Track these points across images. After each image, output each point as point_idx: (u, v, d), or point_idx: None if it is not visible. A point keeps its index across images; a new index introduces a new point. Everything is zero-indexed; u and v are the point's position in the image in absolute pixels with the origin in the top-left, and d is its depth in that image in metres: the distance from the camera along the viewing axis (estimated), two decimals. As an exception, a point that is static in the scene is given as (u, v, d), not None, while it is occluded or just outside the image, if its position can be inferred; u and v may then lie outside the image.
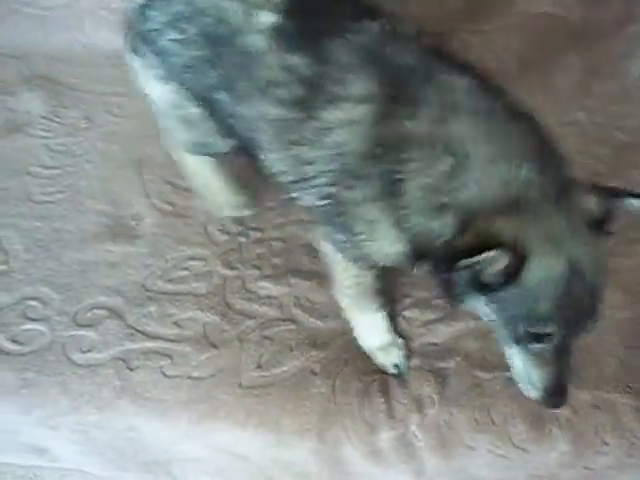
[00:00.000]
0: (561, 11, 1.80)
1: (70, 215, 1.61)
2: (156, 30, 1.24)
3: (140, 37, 1.28)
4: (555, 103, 1.73)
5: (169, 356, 1.37)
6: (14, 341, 1.42)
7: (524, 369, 1.08)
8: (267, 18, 1.14)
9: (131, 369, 1.36)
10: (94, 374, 1.36)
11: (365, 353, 1.35)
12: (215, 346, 1.37)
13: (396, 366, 1.34)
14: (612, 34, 1.81)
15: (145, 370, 1.36)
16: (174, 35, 1.22)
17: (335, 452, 1.30)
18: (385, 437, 1.28)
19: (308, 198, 1.17)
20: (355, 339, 1.36)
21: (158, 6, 1.24)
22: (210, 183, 1.54)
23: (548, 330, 1.02)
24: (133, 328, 1.41)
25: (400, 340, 1.37)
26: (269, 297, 1.44)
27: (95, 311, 1.44)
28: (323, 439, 1.29)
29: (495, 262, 0.96)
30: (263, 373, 1.34)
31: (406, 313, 1.40)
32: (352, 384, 1.32)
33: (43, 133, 1.80)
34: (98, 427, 1.37)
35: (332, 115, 1.09)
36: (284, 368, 1.35)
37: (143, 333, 1.40)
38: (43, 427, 1.40)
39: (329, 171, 1.11)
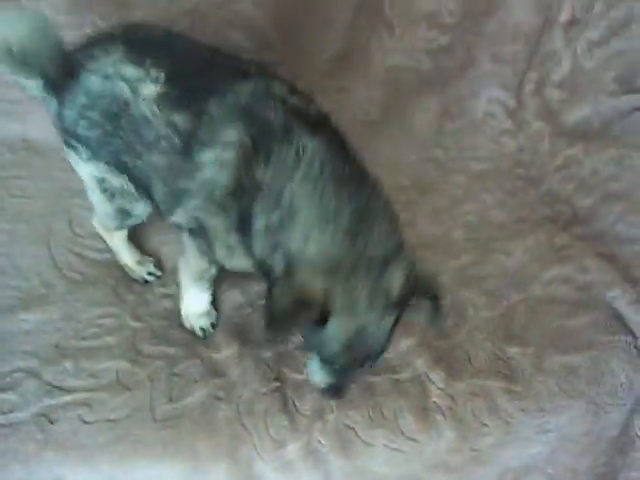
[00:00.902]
0: (413, 63, 2.04)
1: (-18, 292, 1.71)
2: (72, 124, 1.46)
3: (64, 133, 1.51)
4: (415, 142, 1.98)
5: (87, 405, 1.45)
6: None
7: (316, 368, 1.34)
8: (150, 89, 1.35)
9: (52, 422, 1.44)
10: (17, 431, 1.43)
11: (263, 374, 1.50)
12: (128, 389, 1.48)
13: (202, 329, 1.58)
14: (458, 78, 2.08)
15: (65, 421, 1.44)
16: (83, 123, 1.44)
17: (248, 470, 1.42)
18: (292, 449, 1.41)
19: (181, 221, 1.41)
20: (251, 363, 1.51)
21: (68, 104, 1.45)
22: (125, 250, 1.72)
23: (334, 365, 1.29)
24: (51, 385, 1.49)
25: (213, 312, 1.61)
26: (176, 340, 1.57)
27: (13, 375, 1.51)
28: (235, 459, 1.41)
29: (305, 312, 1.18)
30: (174, 405, 1.45)
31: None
32: (255, 405, 1.45)
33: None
34: (27, 481, 1.45)
35: (205, 155, 1.31)
36: (192, 398, 1.46)
37: (60, 388, 1.48)
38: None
39: (198, 199, 1.34)
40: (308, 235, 1.22)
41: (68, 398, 1.48)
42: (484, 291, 1.60)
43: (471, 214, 1.77)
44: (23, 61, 1.44)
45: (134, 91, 1.37)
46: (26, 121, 2.07)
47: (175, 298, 1.64)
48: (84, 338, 1.58)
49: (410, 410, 1.44)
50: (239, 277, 1.62)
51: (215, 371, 1.51)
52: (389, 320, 1.25)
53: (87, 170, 1.53)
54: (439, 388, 1.46)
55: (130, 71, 1.37)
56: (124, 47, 1.40)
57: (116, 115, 1.40)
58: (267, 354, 1.53)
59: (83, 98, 1.43)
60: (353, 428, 1.43)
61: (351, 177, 1.28)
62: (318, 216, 1.23)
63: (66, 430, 1.44)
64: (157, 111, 1.36)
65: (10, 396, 1.49)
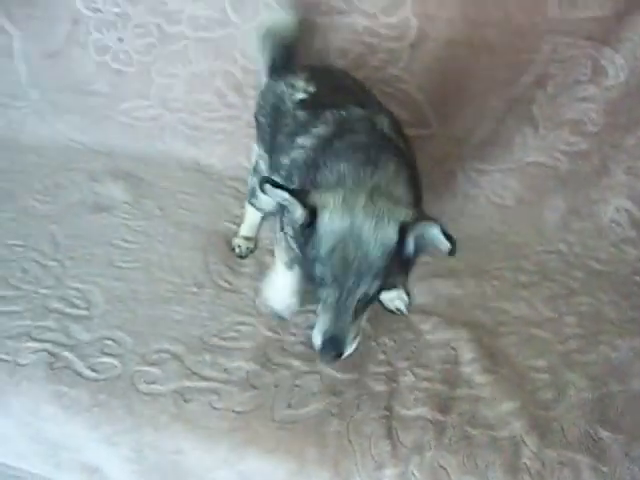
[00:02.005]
0: (551, 162, 2.20)
1: (144, 280, 1.95)
2: (257, 111, 2.02)
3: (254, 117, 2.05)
4: (542, 235, 2.14)
5: (218, 394, 1.64)
6: (92, 369, 1.70)
7: (318, 320, 1.44)
8: (299, 96, 1.81)
9: (186, 401, 1.64)
10: (155, 401, 1.64)
11: (375, 402, 1.64)
12: (255, 388, 1.66)
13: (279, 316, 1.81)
14: (591, 183, 2.22)
15: (197, 402, 1.63)
16: (261, 111, 1.97)
17: (346, 485, 1.58)
18: (388, 473, 1.53)
19: None
20: (368, 390, 1.67)
21: (259, 94, 2.05)
22: (246, 223, 2.07)
23: (327, 273, 1.36)
24: (190, 370, 1.70)
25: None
26: (302, 354, 1.75)
27: (160, 354, 1.73)
28: (337, 470, 1.55)
29: (294, 210, 1.37)
30: (292, 412, 1.62)
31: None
32: (363, 426, 1.59)
33: (124, 215, 2.19)
34: (151, 447, 1.63)
35: (300, 140, 1.65)
36: (308, 409, 1.62)
37: (198, 375, 1.69)
38: (105, 444, 1.66)
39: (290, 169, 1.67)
40: (328, 172, 1.49)
41: (203, 384, 1.67)
42: (586, 375, 1.71)
43: (585, 306, 1.90)
44: (275, 53, 2.02)
45: (291, 95, 1.83)
46: (201, 147, 2.38)
47: (307, 315, 1.83)
48: (224, 338, 1.79)
49: (501, 466, 1.54)
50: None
51: (333, 389, 1.66)
52: (388, 240, 1.34)
53: (255, 151, 2.00)
54: (532, 451, 1.56)
55: (299, 83, 1.84)
56: (308, 72, 1.89)
57: (276, 109, 1.84)
58: (381, 387, 1.67)
59: (268, 94, 1.93)
60: (446, 469, 1.54)
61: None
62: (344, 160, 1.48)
63: (197, 410, 1.62)
64: (291, 107, 1.79)
65: (155, 370, 1.70)
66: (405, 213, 1.37)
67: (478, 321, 1.84)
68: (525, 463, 1.55)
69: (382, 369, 1.72)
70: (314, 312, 1.80)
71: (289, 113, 1.78)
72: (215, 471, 1.63)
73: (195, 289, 1.93)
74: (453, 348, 1.76)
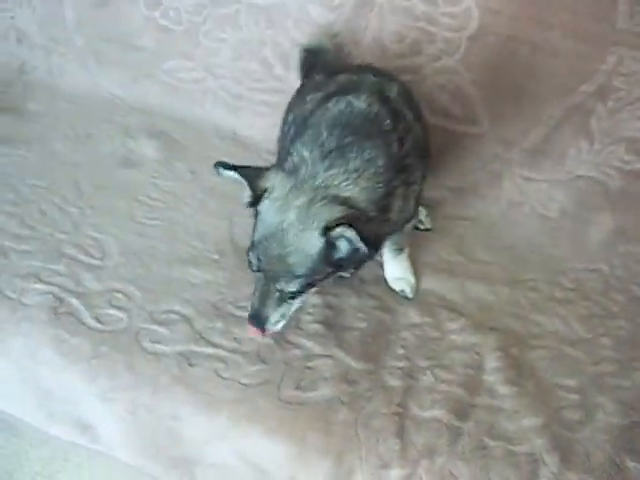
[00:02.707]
0: (603, 178, 2.09)
1: (164, 239, 1.88)
2: None
3: None
4: (583, 253, 2.02)
5: (225, 362, 1.56)
6: (96, 320, 1.63)
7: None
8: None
9: (190, 365, 1.56)
10: (157, 361, 1.56)
11: (389, 397, 1.54)
12: (264, 362, 1.57)
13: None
14: (642, 205, 2.11)
15: (202, 368, 1.55)
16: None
17: (347, 477, 1.46)
18: (394, 474, 1.43)
19: None
20: (383, 383, 1.57)
21: None
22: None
23: (254, 258, 1.41)
24: (199, 334, 1.61)
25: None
26: (316, 335, 1.65)
27: (170, 314, 1.66)
28: (340, 462, 1.45)
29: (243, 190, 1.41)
30: (300, 393, 1.52)
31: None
32: (373, 420, 1.49)
33: (153, 173, 2.12)
34: (148, 409, 1.55)
35: (308, 97, 1.67)
36: (318, 393, 1.53)
37: (207, 341, 1.61)
38: (101, 399, 1.58)
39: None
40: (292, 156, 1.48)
41: (210, 351, 1.59)
42: (617, 400, 1.59)
43: (623, 330, 1.78)
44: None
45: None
46: (240, 117, 2.30)
47: (324, 297, 1.74)
48: (239, 307, 1.69)
49: (515, 481, 1.44)
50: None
51: (345, 377, 1.56)
52: (310, 248, 1.36)
53: None
54: (551, 472, 1.45)
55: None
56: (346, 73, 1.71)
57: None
58: (397, 382, 1.57)
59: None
60: (457, 478, 1.45)
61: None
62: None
63: (201, 376, 1.54)
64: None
65: (162, 330, 1.63)
66: (336, 218, 1.35)
67: (508, 330, 1.72)
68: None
69: (400, 364, 1.62)
70: (333, 293, 1.74)
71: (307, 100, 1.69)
72: (211, 443, 1.55)
73: (216, 256, 1.84)
74: (478, 353, 1.65)
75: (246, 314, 1.64)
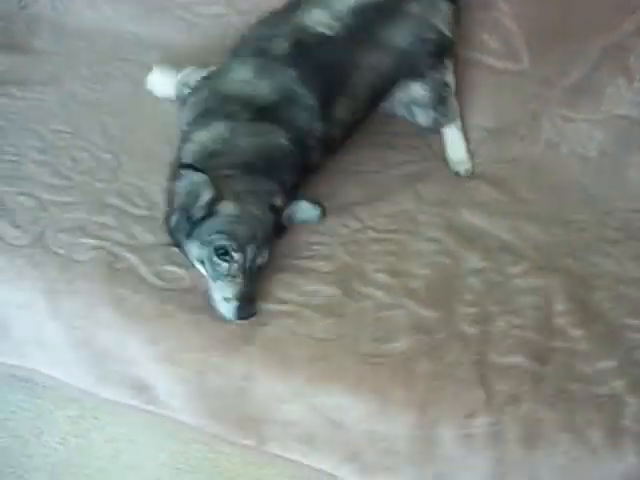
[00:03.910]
0: (643, 118, 2.05)
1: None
2: None
3: None
4: (624, 191, 1.99)
5: (297, 318, 1.50)
6: (157, 277, 1.53)
7: (221, 294, 1.45)
8: None
9: (262, 324, 1.49)
10: (230, 322, 1.48)
11: (464, 345, 1.51)
12: (336, 315, 1.51)
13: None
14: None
15: (275, 326, 1.49)
16: None
17: (431, 431, 1.43)
18: (479, 422, 1.42)
19: None
20: (459, 332, 1.53)
21: None
22: None
23: (227, 244, 1.44)
24: (265, 290, 1.54)
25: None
26: (384, 285, 1.59)
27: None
28: (424, 414, 1.42)
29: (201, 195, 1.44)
30: (378, 346, 1.48)
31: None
32: (455, 370, 1.46)
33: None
34: (216, 370, 1.48)
35: None
36: (396, 345, 1.48)
37: (273, 296, 1.53)
38: (164, 361, 1.50)
39: None
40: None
41: (280, 307, 1.52)
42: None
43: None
44: None
45: None
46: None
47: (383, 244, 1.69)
48: (298, 257, 1.62)
49: (600, 426, 1.43)
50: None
51: (421, 327, 1.52)
52: (269, 216, 1.51)
53: None
54: (634, 413, 1.45)
55: None
56: None
57: None
58: (472, 330, 1.54)
59: None
60: (542, 423, 1.43)
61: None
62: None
63: (274, 334, 1.48)
64: None
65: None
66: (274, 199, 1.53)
67: (568, 271, 1.69)
68: (627, 424, 1.44)
69: (471, 310, 1.58)
70: (390, 239, 1.69)
71: None
72: (285, 403, 1.50)
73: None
74: (545, 297, 1.63)
75: (305, 263, 1.60)
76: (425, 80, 1.84)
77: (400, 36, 1.71)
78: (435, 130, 1.94)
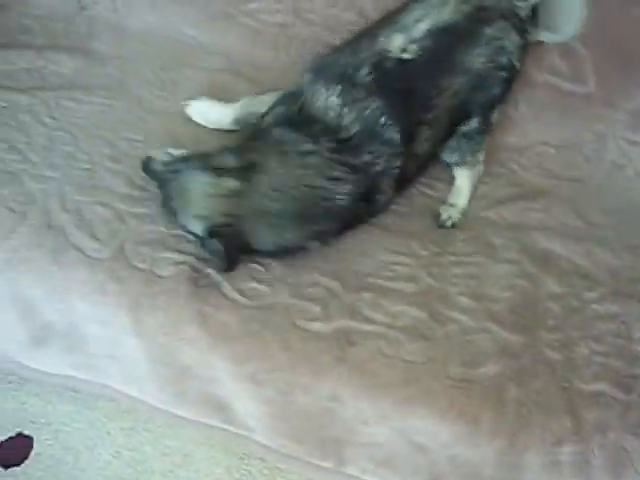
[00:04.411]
0: None
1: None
2: None
3: None
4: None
5: (386, 339, 1.48)
6: (240, 293, 1.50)
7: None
8: None
9: (351, 344, 1.47)
10: (317, 340, 1.46)
11: (552, 371, 1.50)
12: (424, 338, 1.50)
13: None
14: None
15: (364, 347, 1.47)
16: None
17: (518, 458, 1.42)
18: (567, 450, 1.41)
19: None
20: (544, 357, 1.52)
21: None
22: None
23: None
24: (352, 308, 1.52)
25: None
26: (467, 308, 1.58)
27: (316, 288, 1.55)
28: (513, 441, 1.42)
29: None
30: (467, 370, 1.47)
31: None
32: (543, 396, 1.46)
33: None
34: (304, 390, 1.46)
35: None
36: (484, 369, 1.47)
37: (361, 315, 1.51)
38: (248, 381, 1.48)
39: None
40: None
41: (367, 326, 1.50)
42: None
43: None
44: None
45: None
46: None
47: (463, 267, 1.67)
48: (380, 277, 1.60)
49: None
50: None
51: (507, 351, 1.51)
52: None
53: None
54: None
55: None
56: None
57: None
58: (557, 356, 1.53)
59: None
60: (629, 452, 1.43)
61: None
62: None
63: (364, 356, 1.46)
64: None
65: (312, 306, 1.52)
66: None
67: (644, 297, 1.69)
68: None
69: (554, 336, 1.57)
70: (469, 262, 1.67)
71: None
72: (370, 425, 1.49)
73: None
74: (624, 323, 1.62)
75: (388, 283, 1.57)
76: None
77: (476, 58, 1.67)
78: (453, 164, 1.82)
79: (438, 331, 1.52)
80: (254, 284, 1.53)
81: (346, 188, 1.54)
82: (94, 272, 1.50)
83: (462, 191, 1.80)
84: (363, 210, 1.62)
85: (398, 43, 1.60)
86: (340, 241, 1.65)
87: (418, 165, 1.71)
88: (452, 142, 1.74)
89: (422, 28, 1.62)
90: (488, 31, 1.65)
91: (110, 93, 1.88)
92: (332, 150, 1.54)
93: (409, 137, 1.60)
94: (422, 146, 1.65)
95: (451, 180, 1.82)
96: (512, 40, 1.69)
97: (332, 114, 1.56)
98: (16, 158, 1.69)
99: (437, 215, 1.77)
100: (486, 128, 1.78)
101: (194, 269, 1.52)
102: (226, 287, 1.51)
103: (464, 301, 1.59)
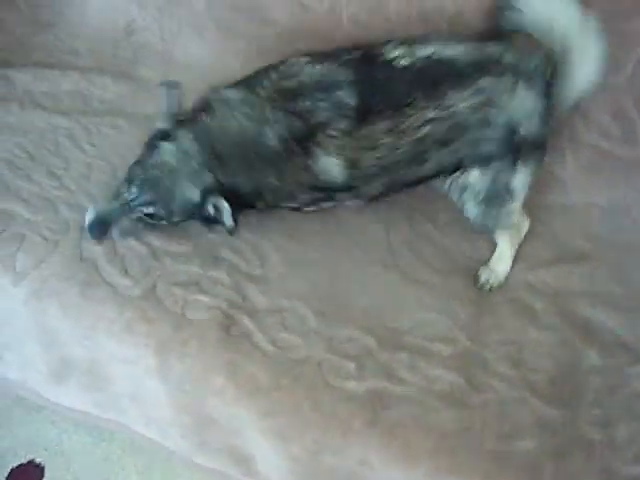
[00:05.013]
0: None
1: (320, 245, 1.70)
2: None
3: None
4: None
5: (420, 404, 1.42)
6: (272, 344, 1.46)
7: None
8: None
9: (384, 407, 1.41)
10: (349, 401, 1.40)
11: (588, 447, 1.43)
12: (461, 406, 1.44)
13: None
14: None
15: (397, 411, 1.41)
16: None
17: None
18: None
19: None
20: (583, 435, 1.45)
21: None
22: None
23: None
24: (386, 368, 1.46)
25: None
26: (505, 376, 1.51)
27: (351, 343, 1.49)
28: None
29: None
30: (503, 443, 1.40)
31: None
32: (580, 476, 1.39)
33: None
34: (333, 451, 1.40)
35: None
36: (521, 443, 1.40)
37: (396, 377, 1.46)
38: (275, 437, 1.43)
39: None
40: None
41: (402, 388, 1.44)
42: None
43: None
44: None
45: None
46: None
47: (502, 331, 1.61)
48: (416, 336, 1.55)
49: None
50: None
51: (545, 426, 1.44)
52: (184, 188, 1.51)
53: None
54: None
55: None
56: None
57: None
58: (596, 435, 1.45)
59: None
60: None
61: None
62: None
63: (396, 422, 1.40)
64: None
65: (346, 362, 1.46)
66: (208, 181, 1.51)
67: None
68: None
69: (594, 412, 1.50)
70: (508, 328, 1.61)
71: None
72: (400, 492, 1.40)
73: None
74: (668, 403, 1.54)
75: (424, 343, 1.52)
76: (487, 168, 1.63)
77: (459, 100, 1.56)
78: (481, 229, 1.75)
79: (475, 399, 1.45)
80: (286, 334, 1.47)
81: (279, 130, 1.52)
82: (123, 310, 1.46)
83: (503, 256, 1.74)
84: (299, 160, 1.56)
85: (397, 52, 1.57)
86: (376, 293, 1.60)
87: (388, 178, 1.65)
88: (479, 207, 1.68)
89: (426, 51, 1.56)
90: (485, 83, 1.55)
91: (153, 123, 1.84)
92: (269, 98, 1.56)
93: (366, 112, 1.54)
94: (390, 151, 1.58)
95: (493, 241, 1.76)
96: (522, 100, 1.58)
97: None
98: (54, 184, 1.66)
99: (477, 277, 1.70)
100: (508, 193, 1.68)
101: (226, 315, 1.47)
102: (258, 336, 1.46)
103: (502, 368, 1.53)
